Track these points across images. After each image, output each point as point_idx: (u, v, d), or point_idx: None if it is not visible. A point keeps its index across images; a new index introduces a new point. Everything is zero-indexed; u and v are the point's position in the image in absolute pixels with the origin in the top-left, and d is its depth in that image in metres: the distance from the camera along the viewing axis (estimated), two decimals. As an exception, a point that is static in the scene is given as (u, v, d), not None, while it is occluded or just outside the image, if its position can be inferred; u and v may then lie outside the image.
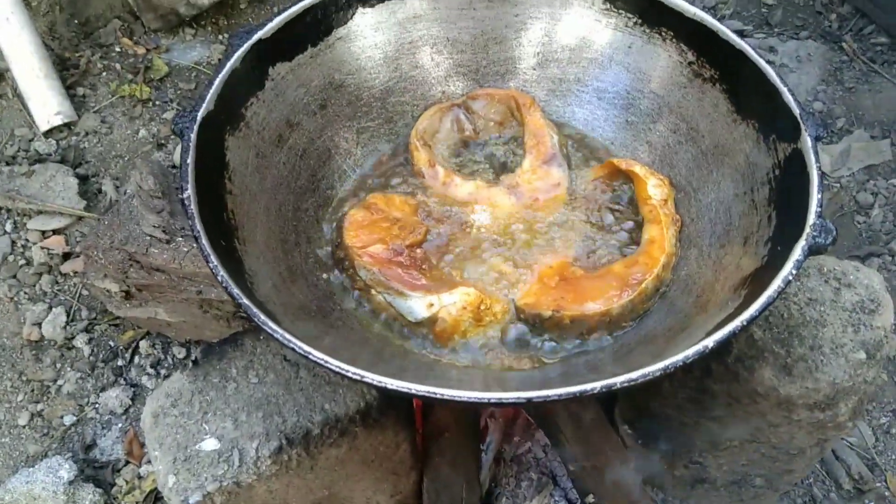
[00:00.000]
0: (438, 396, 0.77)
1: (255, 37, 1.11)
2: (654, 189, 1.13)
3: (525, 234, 1.15)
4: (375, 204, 1.14)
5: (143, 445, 1.60)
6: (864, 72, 2.18)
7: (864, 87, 2.15)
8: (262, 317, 0.83)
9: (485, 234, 1.15)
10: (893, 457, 1.58)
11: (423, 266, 1.09)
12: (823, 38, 2.27)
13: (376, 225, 1.11)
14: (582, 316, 1.00)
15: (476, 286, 1.06)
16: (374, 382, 0.78)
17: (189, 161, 0.96)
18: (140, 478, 1.56)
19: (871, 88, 2.15)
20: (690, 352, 0.80)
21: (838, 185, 1.96)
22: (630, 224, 1.16)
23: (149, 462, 1.58)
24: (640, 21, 1.22)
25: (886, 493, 1.53)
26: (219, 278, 0.86)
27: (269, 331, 0.82)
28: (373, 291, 1.05)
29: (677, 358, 0.79)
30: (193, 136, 0.99)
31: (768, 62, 1.08)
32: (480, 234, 1.15)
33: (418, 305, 1.02)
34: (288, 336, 0.82)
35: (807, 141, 0.97)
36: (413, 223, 1.13)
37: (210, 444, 0.98)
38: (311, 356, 0.81)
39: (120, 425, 1.63)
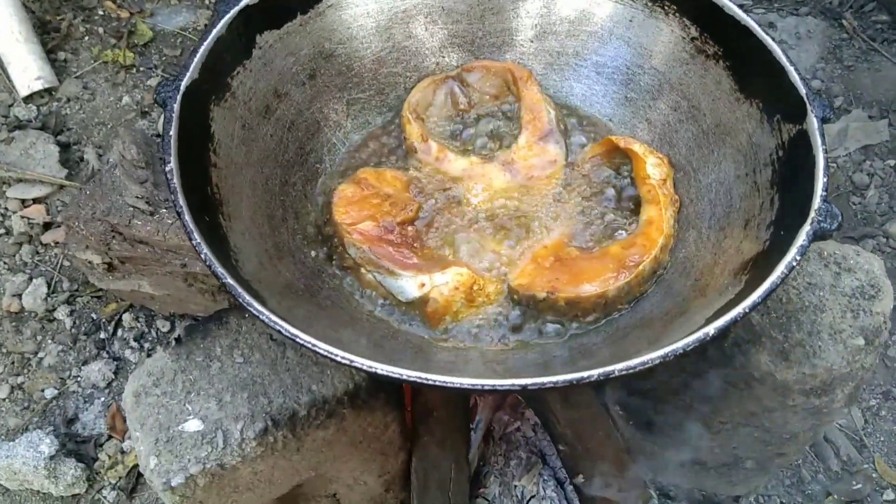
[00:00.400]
0: (430, 383, 0.74)
1: (243, 3, 1.06)
2: (653, 168, 1.10)
3: (520, 213, 1.12)
4: (366, 179, 1.11)
5: (125, 420, 1.57)
6: (863, 50, 2.15)
7: (863, 65, 2.12)
8: (248, 297, 0.80)
9: (479, 212, 1.12)
10: (882, 439, 1.58)
11: (415, 244, 1.06)
12: (823, 14, 2.23)
13: (367, 201, 1.08)
14: (577, 298, 0.98)
15: (469, 266, 1.03)
16: (364, 367, 0.76)
17: (172, 132, 0.92)
18: (123, 453, 1.53)
19: (870, 67, 2.11)
20: (690, 339, 0.77)
21: (835, 165, 1.94)
22: (628, 203, 1.13)
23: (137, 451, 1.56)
24: (641, -7, 1.18)
25: (874, 475, 1.53)
26: (202, 256, 0.83)
27: (255, 312, 0.79)
28: (362, 270, 1.03)
29: (677, 346, 0.77)
30: (177, 105, 0.95)
31: (774, 40, 1.04)
32: (474, 212, 1.12)
33: (409, 285, 0.99)
34: (274, 318, 0.79)
35: (813, 122, 0.95)
36: (405, 199, 1.10)
37: (193, 425, 0.95)
38: (298, 339, 0.78)
39: (102, 399, 1.60)
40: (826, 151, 0.92)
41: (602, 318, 1.00)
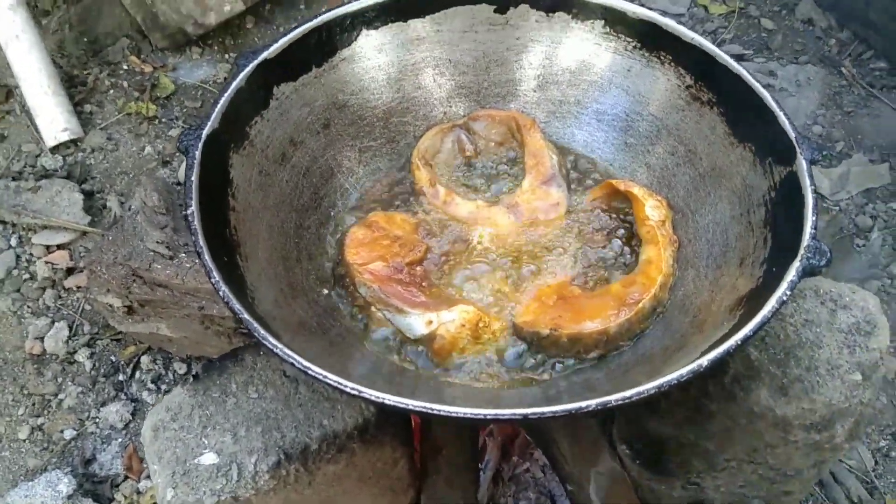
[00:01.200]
0: (436, 413, 0.78)
1: (261, 57, 1.13)
2: (652, 210, 1.14)
3: (524, 254, 1.16)
4: (377, 222, 1.16)
5: (142, 461, 1.61)
6: (863, 96, 2.20)
7: (863, 111, 2.17)
8: (263, 332, 0.85)
9: (484, 253, 1.16)
10: (892, 480, 1.58)
11: (423, 284, 1.10)
12: (823, 62, 2.30)
13: (377, 242, 1.13)
14: (579, 334, 1.01)
15: (475, 304, 1.07)
16: (373, 398, 0.79)
17: (193, 178, 0.98)
18: (139, 493, 1.56)
19: (869, 113, 2.16)
20: (685, 370, 0.80)
21: (837, 208, 1.98)
22: (628, 245, 1.17)
23: (147, 477, 1.59)
24: (639, 45, 1.24)
25: (885, 517, 1.53)
26: (220, 293, 0.87)
27: (270, 346, 0.84)
28: (373, 308, 1.07)
29: (671, 377, 0.80)
30: (198, 153, 1.00)
31: (765, 86, 1.10)
32: (480, 253, 1.16)
33: (417, 322, 1.03)
34: (288, 351, 0.83)
35: (802, 164, 0.99)
36: (413, 241, 1.15)
37: (209, 459, 0.99)
38: (310, 371, 0.82)
39: (120, 440, 1.63)
40: (815, 192, 0.96)
41: (604, 354, 1.04)
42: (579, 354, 1.03)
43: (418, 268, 1.12)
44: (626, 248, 1.17)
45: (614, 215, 1.20)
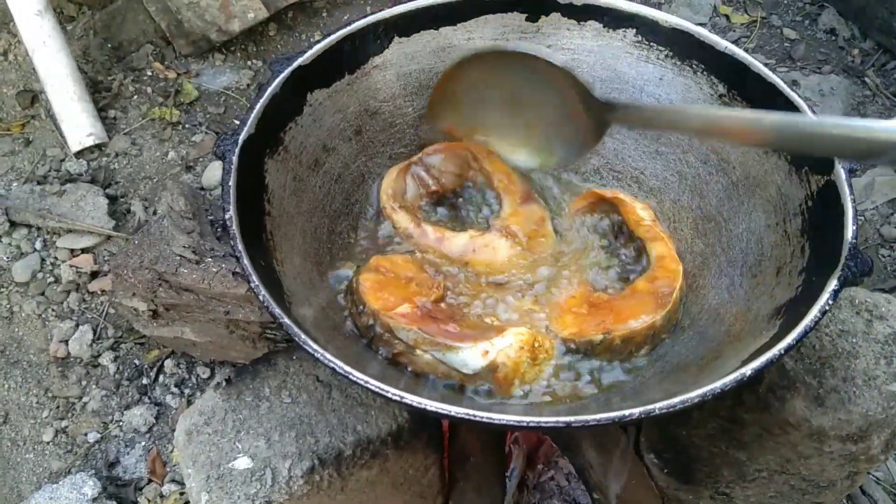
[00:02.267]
0: (478, 419, 0.78)
1: (296, 63, 1.14)
2: (643, 212, 1.18)
3: (534, 271, 1.17)
4: (381, 265, 1.11)
5: (165, 464, 1.61)
6: (886, 106, 2.20)
7: (886, 121, 2.16)
8: (304, 336, 0.85)
9: (497, 279, 1.15)
10: (921, 493, 1.57)
11: (457, 318, 1.07)
12: (846, 72, 2.29)
13: (392, 285, 1.07)
14: (631, 333, 1.02)
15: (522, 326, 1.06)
16: (415, 404, 0.79)
17: (231, 183, 0.98)
18: (162, 497, 1.56)
19: (893, 123, 2.15)
20: (728, 379, 0.80)
21: (862, 218, 1.96)
22: (626, 247, 1.18)
23: (171, 481, 1.59)
24: (670, 53, 1.24)
25: (914, 530, 1.52)
26: (260, 297, 0.88)
27: (311, 350, 0.84)
28: (417, 352, 0.99)
29: (715, 385, 0.79)
30: (235, 158, 1.01)
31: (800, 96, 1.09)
32: (492, 280, 1.15)
33: (472, 356, 0.98)
34: (328, 356, 0.83)
35: (840, 173, 0.99)
36: (427, 280, 1.12)
37: (243, 463, 0.99)
38: (351, 377, 0.82)
39: (143, 444, 1.63)
40: (854, 201, 0.96)
41: (651, 349, 1.05)
42: (631, 354, 1.04)
43: (443, 304, 1.09)
44: (626, 250, 1.18)
45: (602, 219, 1.22)
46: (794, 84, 2.24)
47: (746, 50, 1.16)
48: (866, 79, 2.26)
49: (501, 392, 0.99)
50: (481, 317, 1.10)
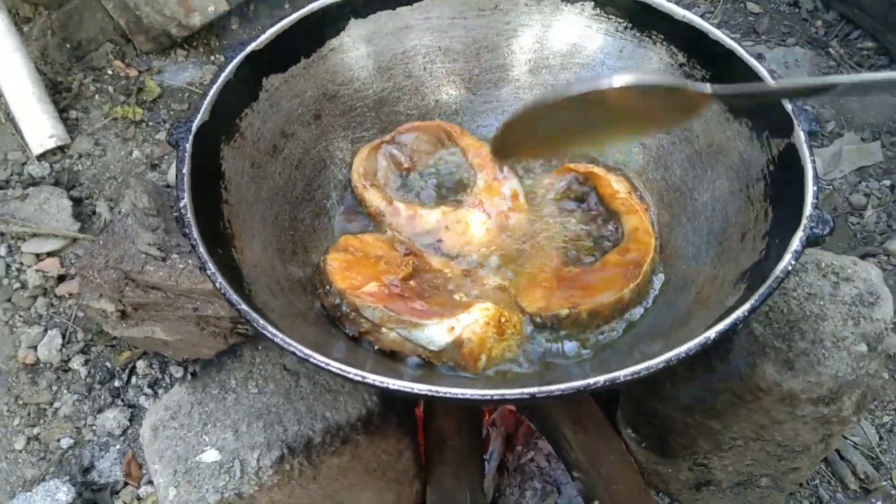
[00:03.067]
0: (441, 395, 0.76)
1: (249, 48, 1.12)
2: (617, 184, 1.17)
3: (506, 247, 1.15)
4: (351, 245, 1.10)
5: (141, 466, 1.58)
6: (851, 76, 2.20)
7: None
8: (262, 321, 0.83)
9: (468, 255, 1.14)
10: (898, 455, 1.58)
11: (425, 295, 1.06)
12: (810, 44, 2.30)
13: (360, 264, 1.07)
14: (598, 307, 1.02)
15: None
16: (376, 383, 0.78)
17: (185, 171, 0.96)
18: (139, 499, 1.54)
19: (859, 92, 2.16)
20: (692, 343, 0.80)
21: (831, 187, 1.97)
22: (600, 220, 1.18)
23: (148, 483, 1.56)
24: (630, 25, 1.23)
25: (893, 492, 1.52)
26: (217, 285, 0.86)
27: (269, 335, 0.82)
28: (383, 330, 0.99)
29: (679, 350, 0.79)
30: (189, 146, 0.99)
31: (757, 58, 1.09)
32: (464, 256, 1.14)
33: (438, 332, 0.97)
34: (288, 340, 0.82)
35: (800, 135, 0.98)
36: (396, 258, 1.10)
37: (211, 456, 0.97)
38: (311, 359, 0.80)
39: (118, 447, 1.61)
40: (814, 162, 0.95)
41: (621, 321, 1.04)
42: (598, 326, 1.03)
43: (412, 282, 1.07)
44: (600, 223, 1.18)
45: (577, 193, 1.21)
46: (759, 57, 2.23)
47: (710, 24, 1.15)
48: (830, 49, 2.26)
49: (468, 368, 0.98)
50: (451, 293, 1.09)
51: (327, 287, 1.04)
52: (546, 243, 1.16)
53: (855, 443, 1.58)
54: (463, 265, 1.13)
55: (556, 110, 0.86)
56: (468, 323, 0.97)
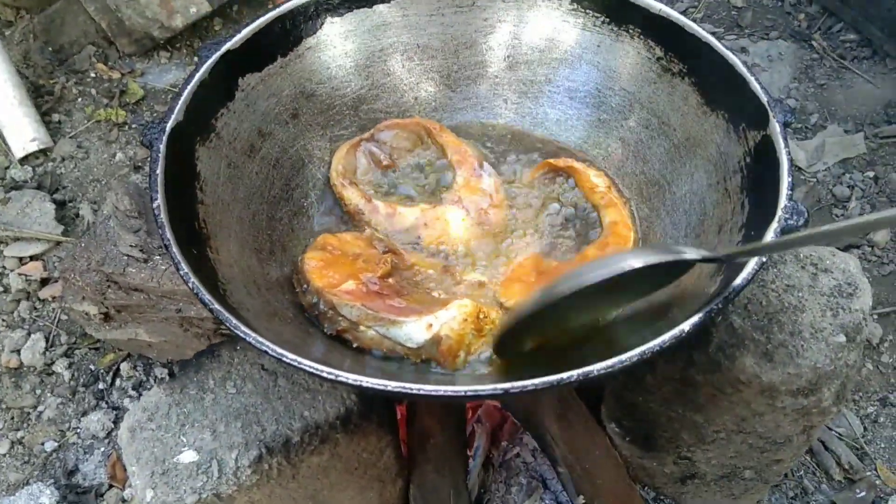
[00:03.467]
0: (414, 392, 0.76)
1: (224, 48, 1.11)
2: (597, 178, 1.17)
3: (486, 243, 1.15)
4: (329, 243, 1.10)
5: (125, 469, 1.57)
6: (834, 68, 2.21)
7: (835, 83, 2.17)
8: (234, 321, 0.83)
9: (447, 252, 1.14)
10: (882, 445, 1.58)
11: (403, 293, 1.05)
12: (793, 37, 2.30)
13: (338, 263, 1.06)
14: None
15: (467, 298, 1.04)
16: (350, 381, 0.78)
17: (158, 171, 0.96)
18: (124, 501, 1.53)
19: (842, 84, 2.17)
20: (666, 336, 0.79)
21: (815, 179, 1.98)
22: (580, 214, 1.18)
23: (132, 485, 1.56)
24: (607, 19, 1.23)
25: (877, 482, 1.53)
26: (189, 285, 0.85)
27: (241, 335, 0.81)
28: (361, 328, 0.99)
29: (653, 343, 0.79)
30: (162, 146, 0.98)
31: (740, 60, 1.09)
32: (443, 253, 1.14)
33: (416, 329, 0.97)
34: (261, 339, 0.81)
35: (775, 127, 0.98)
36: (375, 255, 1.10)
37: (188, 457, 0.97)
38: (284, 358, 0.80)
39: (102, 449, 1.60)
40: (789, 153, 0.95)
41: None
42: None
43: (390, 279, 1.07)
44: (579, 218, 1.18)
45: (556, 188, 1.21)
46: (742, 51, 2.24)
47: (694, 20, 1.15)
48: (813, 42, 2.27)
49: (447, 365, 0.98)
50: (430, 291, 1.08)
51: (305, 286, 1.03)
52: (525, 238, 1.16)
53: (839, 433, 1.58)
54: (442, 262, 1.13)
55: (564, 301, 0.84)
56: (446, 320, 0.97)
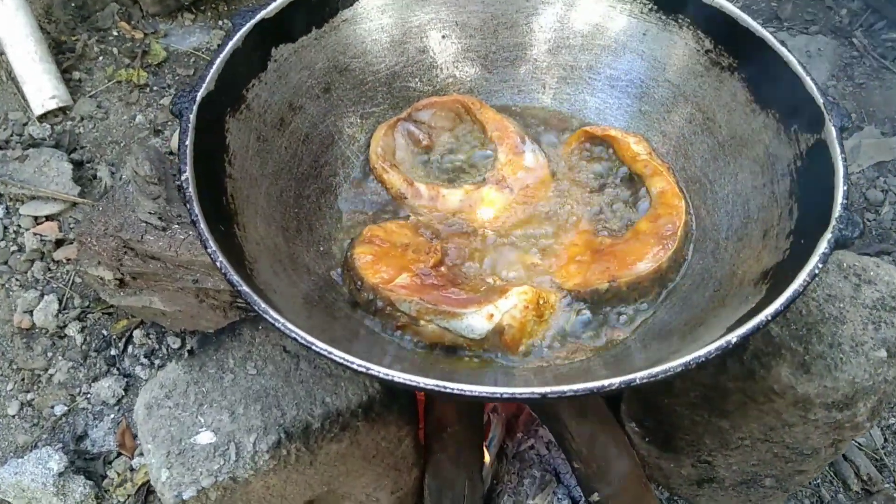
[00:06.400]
0: (449, 391, 0.73)
1: (259, 16, 1.07)
2: (637, 146, 1.14)
3: (534, 221, 1.12)
4: (376, 235, 1.06)
5: (135, 437, 1.56)
6: (874, 68, 2.15)
7: (874, 83, 2.12)
8: (263, 305, 0.80)
9: (496, 234, 1.10)
10: (903, 459, 1.55)
11: (458, 282, 1.02)
12: (834, 33, 2.23)
13: (388, 255, 1.03)
14: (637, 278, 1.00)
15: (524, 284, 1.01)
16: (381, 375, 0.75)
17: (188, 142, 0.92)
18: (132, 470, 1.52)
19: (881, 84, 2.11)
20: (712, 347, 0.76)
21: (848, 181, 1.93)
22: (625, 184, 1.15)
23: (141, 454, 1.54)
24: (655, 7, 1.18)
25: (895, 494, 1.50)
26: (217, 264, 0.82)
27: (271, 320, 0.79)
28: (422, 322, 0.96)
29: (699, 353, 0.75)
30: (193, 116, 0.95)
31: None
32: (491, 235, 1.10)
33: (477, 320, 0.94)
34: (290, 326, 0.78)
35: (831, 131, 0.94)
36: (423, 244, 1.07)
37: (205, 438, 0.94)
38: (313, 347, 0.77)
39: (112, 416, 1.59)
40: (845, 160, 0.91)
41: (661, 291, 1.03)
42: (637, 300, 1.01)
43: (442, 268, 1.04)
44: (625, 188, 1.15)
45: (597, 160, 1.18)
46: (781, 45, 2.18)
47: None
48: (854, 39, 2.21)
49: (510, 353, 0.96)
50: (483, 276, 1.05)
51: (358, 283, 1.00)
52: (573, 215, 1.13)
53: (859, 444, 1.56)
54: (491, 244, 1.09)
55: None
56: (507, 308, 0.94)
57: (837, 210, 0.86)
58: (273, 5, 1.09)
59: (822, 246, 0.83)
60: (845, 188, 0.88)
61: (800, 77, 1.01)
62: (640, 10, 1.19)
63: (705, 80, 1.14)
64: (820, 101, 0.97)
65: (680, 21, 1.16)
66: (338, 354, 0.76)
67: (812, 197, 0.94)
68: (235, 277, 0.81)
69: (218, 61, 1.01)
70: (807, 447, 1.12)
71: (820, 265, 0.82)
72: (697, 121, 1.15)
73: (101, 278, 1.56)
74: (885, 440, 1.58)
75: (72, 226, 1.79)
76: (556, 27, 1.24)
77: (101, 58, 2.12)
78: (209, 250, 0.83)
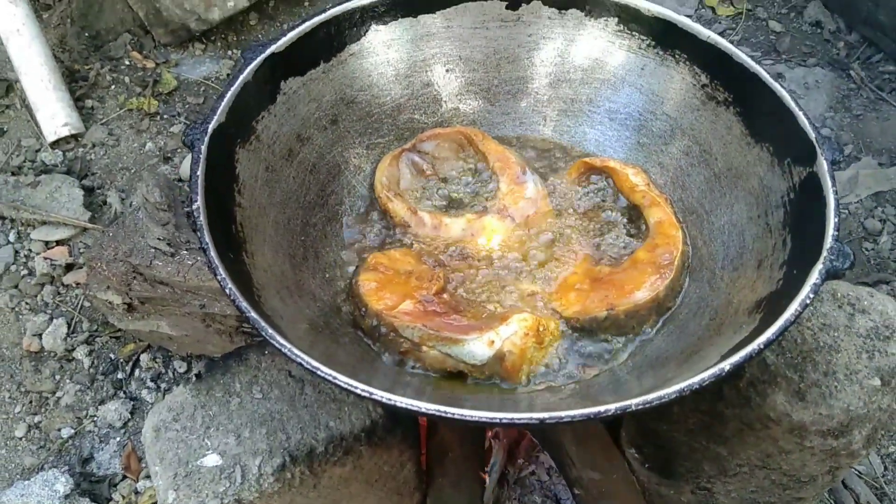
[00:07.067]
0: (449, 416, 0.75)
1: (269, 51, 1.11)
2: (635, 177, 1.16)
3: (534, 251, 1.14)
4: (380, 263, 1.09)
5: (140, 460, 1.58)
6: (871, 99, 2.19)
7: (871, 114, 2.15)
8: (271, 331, 0.82)
9: (498, 262, 1.13)
10: (903, 487, 1.56)
11: (460, 308, 1.05)
12: (831, 65, 2.28)
13: (392, 283, 1.06)
14: (635, 307, 1.02)
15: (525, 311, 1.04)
16: (383, 400, 0.77)
17: (199, 172, 0.96)
18: (137, 493, 1.53)
19: (878, 116, 2.15)
20: (706, 374, 0.78)
21: (846, 211, 1.96)
22: (623, 214, 1.18)
23: (146, 477, 1.56)
24: (653, 43, 1.22)
25: (895, 525, 1.51)
26: (227, 291, 0.85)
27: (278, 346, 0.81)
28: (424, 348, 0.98)
29: (693, 380, 0.78)
30: (204, 147, 0.98)
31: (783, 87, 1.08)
32: (493, 264, 1.13)
33: (478, 347, 0.96)
34: (296, 351, 0.81)
35: (823, 164, 0.97)
36: (426, 272, 1.09)
37: (212, 460, 0.96)
38: (319, 372, 0.79)
39: (118, 439, 1.60)
40: (836, 193, 0.94)
41: (658, 319, 1.05)
42: (635, 329, 1.03)
43: (444, 295, 1.06)
44: (623, 218, 1.17)
45: (596, 190, 1.21)
46: (779, 77, 2.22)
47: (732, 42, 1.14)
48: (851, 72, 2.25)
49: (510, 379, 0.98)
50: (484, 304, 1.07)
51: (363, 310, 1.03)
52: (573, 244, 1.15)
53: (859, 472, 1.56)
54: (492, 272, 1.12)
55: None
56: (508, 335, 0.96)
57: (829, 241, 0.89)
58: (283, 40, 1.13)
59: (814, 277, 0.86)
60: (836, 220, 0.91)
61: (792, 112, 1.04)
62: (639, 46, 1.23)
63: (701, 114, 1.18)
64: (812, 135, 1.00)
65: (677, 56, 1.20)
66: (342, 379, 0.78)
67: (805, 228, 0.96)
68: (244, 304, 0.84)
69: (229, 94, 1.05)
70: (804, 474, 1.14)
71: (812, 295, 0.84)
72: (694, 153, 1.18)
73: (110, 302, 1.59)
74: (885, 468, 1.59)
75: (82, 251, 1.83)
76: (557, 61, 1.28)
77: (113, 86, 2.17)
78: (219, 277, 0.86)
